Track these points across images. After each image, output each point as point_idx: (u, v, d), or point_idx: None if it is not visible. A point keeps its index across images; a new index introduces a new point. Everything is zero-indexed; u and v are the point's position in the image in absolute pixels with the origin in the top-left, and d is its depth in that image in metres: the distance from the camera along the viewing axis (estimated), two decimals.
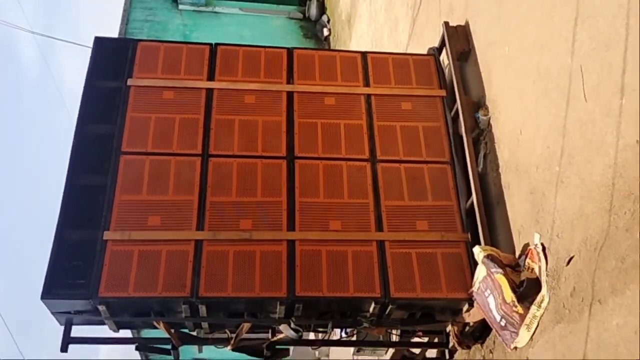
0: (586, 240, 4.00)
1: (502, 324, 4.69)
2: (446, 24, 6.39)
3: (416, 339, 6.07)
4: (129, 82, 5.91)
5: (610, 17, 3.89)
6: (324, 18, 15.81)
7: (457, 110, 5.90)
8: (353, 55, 6.51)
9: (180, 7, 15.65)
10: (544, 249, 4.50)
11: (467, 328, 5.38)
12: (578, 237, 4.10)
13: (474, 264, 5.09)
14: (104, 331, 5.37)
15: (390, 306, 5.06)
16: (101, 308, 4.90)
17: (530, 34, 4.94)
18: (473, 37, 6.17)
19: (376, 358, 8.96)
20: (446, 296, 5.10)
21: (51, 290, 4.85)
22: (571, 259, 4.14)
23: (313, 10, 16.01)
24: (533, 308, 4.48)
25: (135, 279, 4.93)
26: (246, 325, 5.25)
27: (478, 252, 4.91)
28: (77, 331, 5.26)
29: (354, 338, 6.04)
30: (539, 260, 4.53)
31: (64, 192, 5.29)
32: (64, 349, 5.16)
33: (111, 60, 6.07)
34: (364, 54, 6.49)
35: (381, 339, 6.24)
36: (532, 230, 4.72)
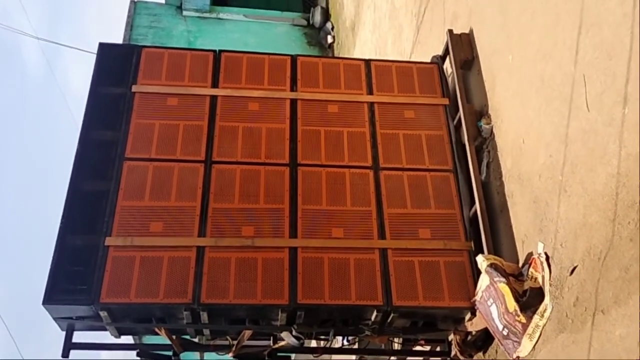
0: (590, 250, 3.99)
1: (505, 333, 4.67)
2: (450, 32, 6.40)
3: (418, 348, 6.04)
4: (134, 88, 5.93)
5: (614, 26, 3.88)
6: (328, 25, 15.83)
7: (459, 118, 5.90)
8: (357, 63, 6.52)
9: (185, 13, 15.70)
10: (547, 258, 4.49)
11: (469, 337, 5.35)
12: (582, 246, 4.08)
13: (477, 273, 5.08)
14: (106, 337, 5.37)
15: (392, 314, 5.05)
16: (102, 314, 4.89)
17: (534, 42, 4.94)
18: (477, 45, 6.17)
19: None
20: (449, 305, 5.08)
21: (53, 296, 4.86)
22: (575, 268, 4.12)
23: (317, 17, 16.04)
24: (536, 317, 4.46)
25: (136, 285, 4.93)
26: (248, 333, 5.23)
27: (481, 261, 4.90)
28: (78, 336, 5.26)
29: (356, 346, 6.02)
30: (543, 269, 4.51)
31: (67, 197, 5.30)
32: (65, 354, 5.15)
33: (116, 66, 6.09)
34: (367, 62, 6.50)
35: (383, 347, 6.22)
36: (535, 239, 4.70)
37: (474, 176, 5.55)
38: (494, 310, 4.72)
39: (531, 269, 4.64)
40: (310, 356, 6.09)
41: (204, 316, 5.00)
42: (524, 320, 4.50)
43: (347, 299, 5.03)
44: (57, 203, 5.31)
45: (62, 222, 5.17)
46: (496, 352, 5.21)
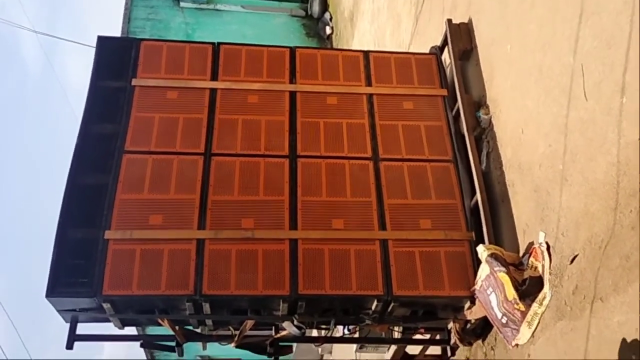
0: (591, 239, 4.01)
1: (504, 321, 4.71)
2: (449, 22, 6.40)
3: (418, 336, 6.09)
4: (134, 82, 5.93)
5: (614, 14, 3.89)
6: (327, 16, 15.78)
7: (458, 109, 5.91)
8: (355, 55, 6.52)
9: (182, 4, 15.63)
10: (548, 247, 4.51)
11: (469, 325, 5.40)
12: (583, 235, 4.11)
13: (477, 263, 5.11)
14: (110, 328, 5.41)
15: (392, 304, 5.08)
16: (105, 306, 4.92)
17: (533, 32, 4.95)
18: (475, 36, 6.17)
19: (378, 355, 8.99)
20: (449, 294, 5.11)
21: (56, 289, 4.88)
22: (575, 257, 4.15)
23: (315, 8, 15.97)
24: (534, 305, 4.50)
25: (138, 277, 4.95)
26: (250, 323, 5.27)
27: (482, 251, 4.93)
28: (82, 329, 5.29)
29: (357, 335, 6.07)
30: (543, 258, 4.54)
31: (66, 191, 5.30)
32: (69, 346, 5.19)
33: (115, 59, 6.09)
34: (366, 53, 6.50)
35: (383, 336, 6.27)
36: (537, 229, 4.73)
37: (474, 166, 5.56)
38: (493, 299, 4.76)
39: (531, 258, 4.67)
40: (312, 345, 6.13)
41: (206, 307, 5.03)
42: (522, 308, 4.54)
43: (348, 289, 5.06)
44: (58, 197, 5.32)
45: (61, 216, 5.18)
46: (495, 339, 5.26)
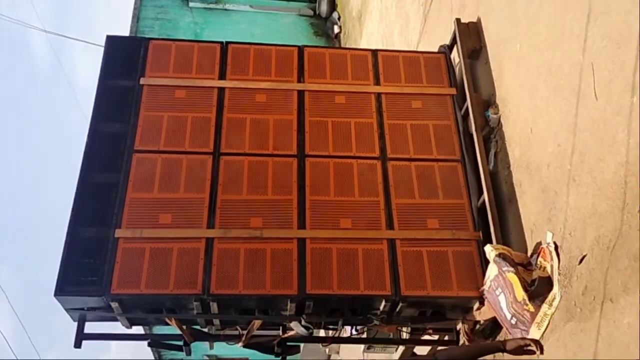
0: (599, 239, 3.99)
1: (513, 322, 4.69)
2: (458, 21, 6.37)
3: (426, 337, 6.07)
4: (142, 81, 5.95)
5: (623, 13, 3.86)
6: (335, 15, 15.77)
7: (467, 108, 5.89)
8: (364, 53, 6.51)
9: (191, 4, 15.67)
10: (556, 247, 4.49)
11: (478, 326, 5.38)
12: (591, 235, 4.08)
13: (485, 263, 5.09)
14: (117, 327, 5.43)
15: (400, 304, 5.07)
16: (114, 305, 4.94)
17: (542, 31, 4.92)
18: (484, 35, 6.14)
19: (386, 356, 8.97)
20: (457, 294, 5.09)
21: (64, 288, 4.91)
22: (583, 257, 4.13)
23: (324, 7, 15.97)
24: (544, 306, 4.47)
25: (147, 276, 4.97)
26: (257, 322, 5.28)
27: (489, 250, 4.91)
28: (89, 327, 5.31)
29: (364, 335, 6.05)
30: (551, 259, 4.51)
31: (77, 190, 5.34)
32: (77, 345, 5.21)
33: (123, 58, 6.11)
34: (374, 52, 6.48)
35: (391, 336, 6.25)
36: (544, 229, 4.70)
37: (481, 166, 5.54)
38: (502, 299, 4.73)
39: (540, 259, 4.65)
40: (319, 346, 6.12)
41: (214, 306, 5.04)
42: (532, 309, 4.52)
43: (356, 289, 5.05)
44: (68, 195, 5.35)
45: (72, 215, 5.21)
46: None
